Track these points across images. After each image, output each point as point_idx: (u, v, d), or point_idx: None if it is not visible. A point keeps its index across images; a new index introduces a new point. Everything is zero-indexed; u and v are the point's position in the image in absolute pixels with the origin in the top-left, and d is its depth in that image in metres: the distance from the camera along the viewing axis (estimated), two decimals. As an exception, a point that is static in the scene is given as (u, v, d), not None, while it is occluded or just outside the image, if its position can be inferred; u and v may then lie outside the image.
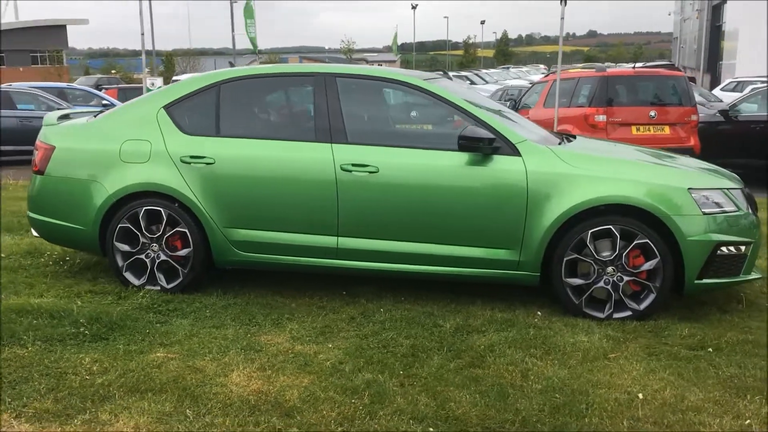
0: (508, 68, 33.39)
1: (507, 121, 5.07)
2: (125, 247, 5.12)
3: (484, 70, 36.21)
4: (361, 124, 4.98)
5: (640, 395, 3.50)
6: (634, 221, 4.50)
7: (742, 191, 4.77)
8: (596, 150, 5.10)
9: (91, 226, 5.14)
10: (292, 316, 4.70)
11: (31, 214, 5.48)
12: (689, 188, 4.52)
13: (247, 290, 5.20)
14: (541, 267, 4.64)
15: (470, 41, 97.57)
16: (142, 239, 5.09)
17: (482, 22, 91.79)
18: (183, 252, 5.05)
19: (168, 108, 5.15)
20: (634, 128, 10.85)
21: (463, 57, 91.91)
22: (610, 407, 3.39)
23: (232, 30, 42.00)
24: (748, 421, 3.28)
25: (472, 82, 29.77)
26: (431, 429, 3.22)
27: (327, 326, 4.51)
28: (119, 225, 5.08)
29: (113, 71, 49.42)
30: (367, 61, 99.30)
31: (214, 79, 5.19)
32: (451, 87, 5.17)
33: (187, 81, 5.32)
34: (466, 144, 4.59)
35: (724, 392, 3.57)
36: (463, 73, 35.10)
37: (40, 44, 54.83)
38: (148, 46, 17.42)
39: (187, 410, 3.40)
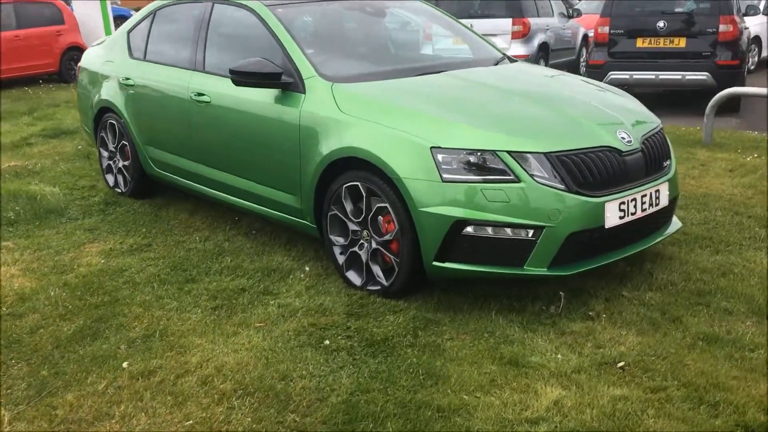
0: None
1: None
2: (105, 153, 6.06)
3: None
4: (216, 53, 4.85)
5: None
6: (378, 180, 3.72)
7: (558, 157, 3.47)
8: (421, 85, 4.25)
9: (91, 132, 6.20)
10: (147, 232, 5.08)
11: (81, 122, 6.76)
12: (433, 146, 3.52)
13: (168, 205, 5.67)
14: (315, 219, 4.18)
15: None
16: (110, 147, 5.95)
17: None
18: (127, 162, 5.77)
19: (129, 32, 5.79)
20: None
21: None
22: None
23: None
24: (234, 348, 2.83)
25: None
26: (67, 302, 3.94)
27: (148, 245, 4.84)
28: (99, 133, 6.02)
29: None
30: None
31: (154, 6, 5.62)
32: (292, 15, 4.64)
33: (147, 7, 5.81)
34: (236, 79, 4.24)
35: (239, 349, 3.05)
36: None
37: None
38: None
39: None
